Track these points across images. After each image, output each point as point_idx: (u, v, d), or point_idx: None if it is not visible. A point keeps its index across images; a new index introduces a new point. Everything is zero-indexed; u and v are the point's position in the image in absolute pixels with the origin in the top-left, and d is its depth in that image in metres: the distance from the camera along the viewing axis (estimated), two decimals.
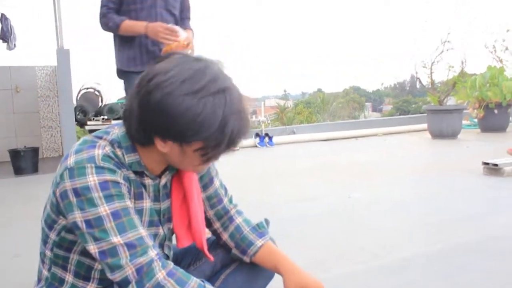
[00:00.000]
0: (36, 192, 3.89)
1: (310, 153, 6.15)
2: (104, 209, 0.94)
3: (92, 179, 0.94)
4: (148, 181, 1.09)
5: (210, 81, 0.93)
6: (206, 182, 1.25)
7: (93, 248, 0.95)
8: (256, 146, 6.95)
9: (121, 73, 2.65)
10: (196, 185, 1.19)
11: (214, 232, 1.29)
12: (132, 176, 1.04)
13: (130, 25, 2.47)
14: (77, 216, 0.95)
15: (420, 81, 7.49)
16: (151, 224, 1.12)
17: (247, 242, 1.24)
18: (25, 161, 4.99)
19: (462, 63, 7.11)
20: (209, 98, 0.92)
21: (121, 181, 0.99)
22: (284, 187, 3.84)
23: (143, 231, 0.98)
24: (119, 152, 1.02)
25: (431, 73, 7.10)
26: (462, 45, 7.01)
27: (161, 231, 1.15)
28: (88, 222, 0.94)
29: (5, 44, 6.62)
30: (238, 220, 1.28)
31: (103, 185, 0.95)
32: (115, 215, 0.95)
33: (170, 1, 2.62)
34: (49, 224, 1.06)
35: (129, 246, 0.94)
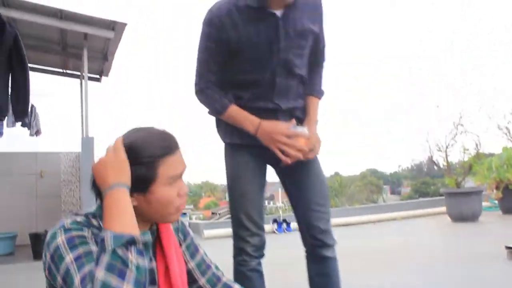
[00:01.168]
0: None
1: None
2: (69, 258, 1.01)
3: (60, 239, 1.03)
4: None
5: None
6: (192, 250, 1.35)
7: None
8: (274, 232, 6.90)
9: (228, 146, 1.93)
10: (178, 252, 1.26)
11: None
12: None
13: (237, 117, 1.78)
14: (59, 280, 1.02)
15: (436, 164, 7.54)
16: None
17: None
18: None
19: (477, 145, 7.18)
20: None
21: (88, 235, 1.06)
22: (302, 274, 3.77)
23: None
24: (94, 222, 1.11)
25: (446, 156, 7.16)
26: (474, 128, 7.12)
27: None
28: (64, 280, 1.00)
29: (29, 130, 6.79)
30: (235, 287, 1.36)
31: (69, 240, 1.03)
32: (77, 258, 1.01)
33: (295, 61, 1.80)
34: None
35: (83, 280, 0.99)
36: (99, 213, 1.11)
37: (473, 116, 7.23)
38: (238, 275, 1.87)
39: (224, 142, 1.91)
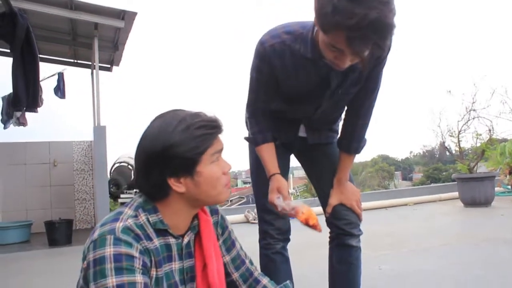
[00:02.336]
0: (69, 264, 3.96)
1: None
2: (111, 281, 1.00)
3: (108, 250, 1.02)
4: (171, 240, 1.17)
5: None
6: (229, 245, 1.35)
7: None
8: None
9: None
10: (216, 249, 1.26)
11: None
12: (152, 245, 1.11)
13: (263, 157, 1.79)
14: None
15: (448, 150, 7.47)
16: (175, 285, 1.18)
17: None
18: (59, 233, 5.13)
19: (490, 130, 7.08)
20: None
21: (136, 254, 1.05)
22: (315, 259, 3.79)
23: None
24: (143, 217, 1.12)
25: (459, 141, 7.08)
26: (487, 113, 7.01)
27: None
28: None
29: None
30: (264, 281, 1.36)
31: (117, 257, 1.02)
32: (119, 287, 1.01)
33: (339, 104, 1.77)
34: None
35: None
36: (148, 207, 1.14)
37: (486, 101, 7.09)
38: (263, 259, 1.88)
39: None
